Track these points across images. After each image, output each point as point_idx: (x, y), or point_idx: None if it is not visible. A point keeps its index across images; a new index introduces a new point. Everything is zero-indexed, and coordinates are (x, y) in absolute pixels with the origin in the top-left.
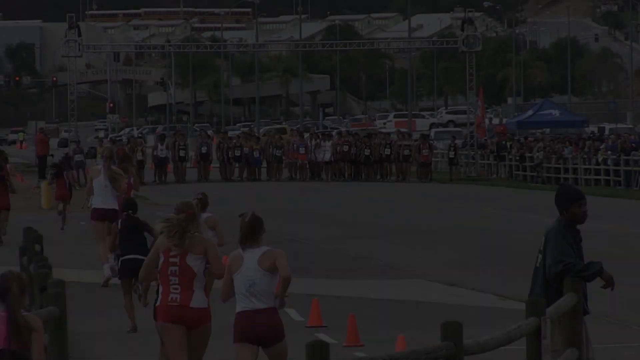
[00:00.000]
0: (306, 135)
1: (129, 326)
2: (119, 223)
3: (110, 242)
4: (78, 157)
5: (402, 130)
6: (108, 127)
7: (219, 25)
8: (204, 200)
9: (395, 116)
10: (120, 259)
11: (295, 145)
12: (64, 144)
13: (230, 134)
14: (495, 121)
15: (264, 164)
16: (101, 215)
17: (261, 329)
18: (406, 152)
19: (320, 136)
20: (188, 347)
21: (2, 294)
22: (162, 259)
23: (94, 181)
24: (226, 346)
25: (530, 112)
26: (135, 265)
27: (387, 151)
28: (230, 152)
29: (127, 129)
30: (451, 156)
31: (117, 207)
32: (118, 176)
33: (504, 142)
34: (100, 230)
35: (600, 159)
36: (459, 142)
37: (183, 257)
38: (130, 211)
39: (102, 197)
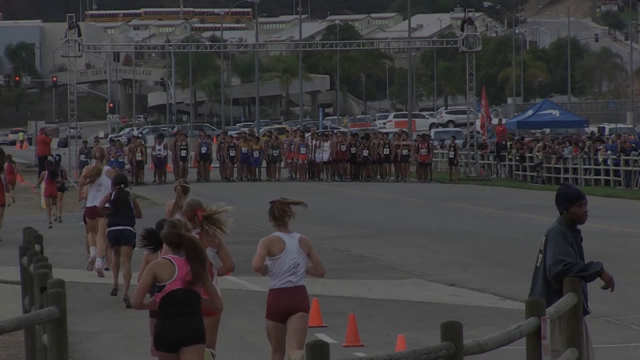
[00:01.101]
0: (306, 135)
1: (124, 294)
2: (111, 195)
3: (100, 245)
4: (83, 157)
5: (400, 130)
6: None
7: (219, 25)
8: (185, 188)
9: (395, 116)
10: (110, 228)
11: (292, 145)
12: (64, 144)
13: (229, 134)
14: (495, 121)
15: (264, 164)
16: (95, 214)
17: (296, 303)
18: (404, 152)
19: (320, 136)
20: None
21: (178, 244)
22: None
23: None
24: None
25: (530, 112)
26: (123, 235)
27: (386, 151)
28: (230, 151)
29: (127, 129)
30: (451, 156)
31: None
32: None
33: (504, 142)
34: (94, 225)
35: (600, 159)
36: (459, 142)
37: None
38: (122, 185)
39: (98, 197)
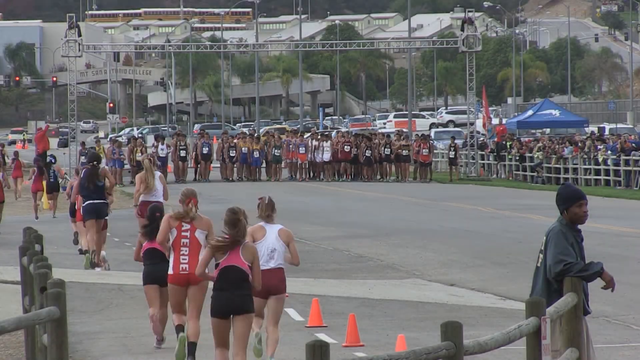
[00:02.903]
0: (306, 135)
1: (96, 259)
2: (83, 172)
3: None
4: (83, 159)
5: (399, 130)
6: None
7: (219, 25)
8: (153, 160)
9: (395, 116)
10: (84, 202)
11: (292, 145)
12: (64, 144)
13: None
14: (495, 121)
15: (264, 164)
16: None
17: (274, 282)
18: (404, 152)
19: (320, 136)
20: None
21: (234, 224)
22: (175, 233)
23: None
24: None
25: (530, 112)
26: (96, 207)
27: (387, 151)
28: (231, 151)
29: (127, 129)
30: (451, 156)
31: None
32: (107, 175)
33: (504, 142)
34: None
35: (600, 159)
36: (459, 142)
37: (192, 231)
38: (95, 162)
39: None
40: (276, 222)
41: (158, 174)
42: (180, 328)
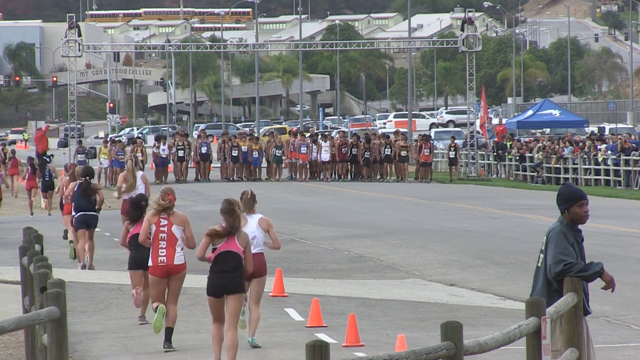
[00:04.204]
0: (307, 135)
1: (86, 264)
2: (76, 186)
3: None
4: (80, 157)
5: (397, 130)
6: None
7: (219, 25)
8: (135, 161)
9: (395, 116)
10: (76, 214)
11: (292, 145)
12: (64, 144)
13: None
14: (495, 121)
15: (264, 164)
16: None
17: (257, 266)
18: (403, 153)
19: (320, 136)
20: (167, 290)
21: (230, 214)
22: (154, 229)
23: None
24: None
25: (530, 112)
26: (87, 219)
27: (387, 151)
28: (232, 151)
29: (127, 129)
30: (451, 156)
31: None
32: (98, 191)
33: (504, 142)
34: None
35: (600, 159)
36: (459, 142)
37: (169, 227)
38: (87, 177)
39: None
40: (257, 212)
41: (140, 173)
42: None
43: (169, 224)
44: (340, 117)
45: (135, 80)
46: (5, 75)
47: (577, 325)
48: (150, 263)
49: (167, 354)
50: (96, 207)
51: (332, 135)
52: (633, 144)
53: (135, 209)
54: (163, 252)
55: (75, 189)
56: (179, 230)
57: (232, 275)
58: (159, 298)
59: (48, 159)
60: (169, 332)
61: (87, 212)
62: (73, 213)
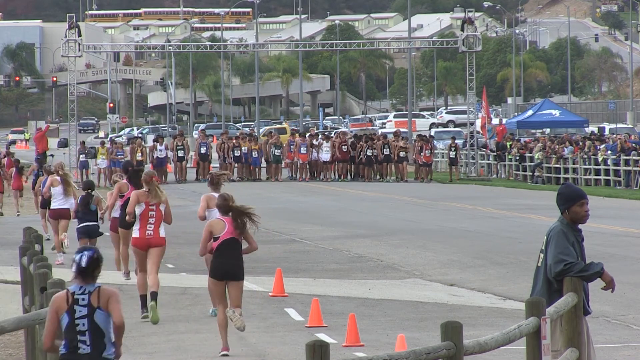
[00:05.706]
0: (307, 135)
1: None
2: (80, 198)
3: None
4: (82, 157)
5: (396, 130)
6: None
7: (219, 25)
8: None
9: (395, 116)
10: (79, 224)
11: (293, 145)
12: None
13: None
14: (495, 121)
15: (264, 164)
16: (58, 214)
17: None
18: (402, 154)
19: (320, 136)
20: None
21: (226, 210)
22: (143, 207)
23: (53, 189)
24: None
25: (530, 112)
26: (89, 229)
27: (387, 151)
28: (233, 151)
29: (127, 129)
30: (452, 156)
31: (69, 207)
32: (99, 203)
33: (504, 142)
34: (55, 226)
35: (600, 159)
36: (459, 142)
37: (157, 206)
38: (89, 190)
39: (60, 201)
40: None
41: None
42: (144, 299)
43: (157, 203)
44: (340, 117)
45: (135, 80)
46: (5, 75)
47: (577, 325)
48: (136, 234)
49: (167, 354)
50: (99, 216)
51: (339, 132)
52: (633, 144)
53: (134, 177)
54: (151, 227)
55: (78, 202)
56: (163, 207)
57: (234, 262)
58: (143, 267)
59: (37, 158)
60: (153, 294)
61: (89, 223)
62: (76, 223)
